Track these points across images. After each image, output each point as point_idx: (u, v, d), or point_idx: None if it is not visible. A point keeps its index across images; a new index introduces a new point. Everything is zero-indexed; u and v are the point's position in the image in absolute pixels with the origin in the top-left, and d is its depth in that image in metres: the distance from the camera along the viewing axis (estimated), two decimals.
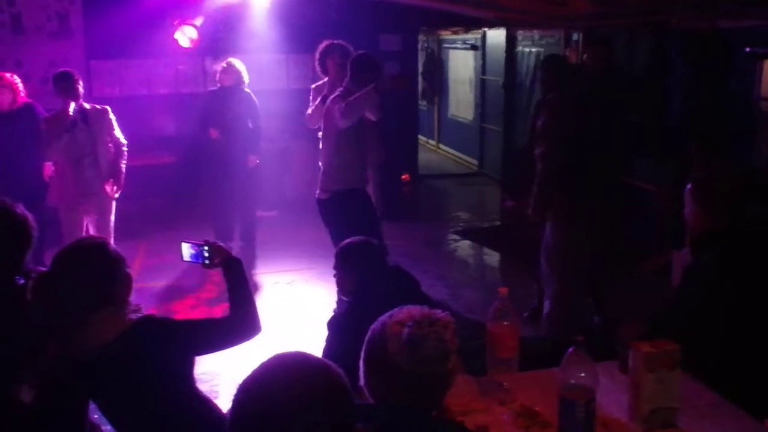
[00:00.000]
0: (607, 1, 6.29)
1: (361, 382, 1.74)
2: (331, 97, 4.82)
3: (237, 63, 6.46)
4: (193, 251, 2.64)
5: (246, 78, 6.50)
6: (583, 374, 1.95)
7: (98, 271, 2.28)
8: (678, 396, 2.11)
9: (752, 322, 2.40)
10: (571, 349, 1.98)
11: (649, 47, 6.25)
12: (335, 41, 5.46)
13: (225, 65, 6.43)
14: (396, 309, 1.76)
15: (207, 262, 2.61)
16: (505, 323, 2.35)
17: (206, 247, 2.61)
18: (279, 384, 1.33)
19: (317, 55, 5.50)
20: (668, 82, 5.92)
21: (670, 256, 4.07)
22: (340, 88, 4.80)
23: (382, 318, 1.75)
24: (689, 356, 2.11)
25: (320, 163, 4.96)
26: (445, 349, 1.69)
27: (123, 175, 5.36)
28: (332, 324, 2.92)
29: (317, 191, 4.94)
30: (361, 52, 5.02)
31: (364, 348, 1.74)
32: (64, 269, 2.29)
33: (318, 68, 5.58)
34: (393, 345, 1.67)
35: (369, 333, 1.74)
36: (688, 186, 2.66)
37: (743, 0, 4.95)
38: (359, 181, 4.89)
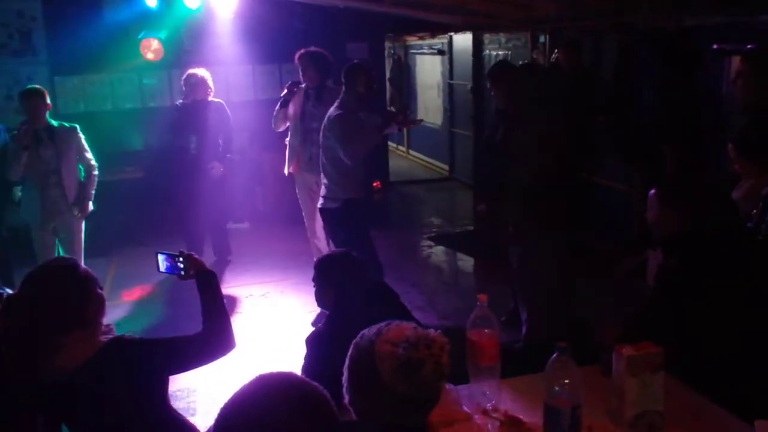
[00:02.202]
0: (570, 3, 6.35)
1: (345, 400, 1.69)
2: (334, 114, 4.85)
3: (203, 73, 6.32)
4: (168, 262, 2.63)
5: (212, 86, 6.41)
6: (567, 380, 1.92)
7: (69, 293, 2.22)
8: (662, 399, 2.09)
9: (725, 322, 2.40)
10: (554, 355, 1.95)
11: (616, 48, 6.30)
12: (311, 49, 5.52)
13: (195, 77, 6.25)
14: (382, 325, 1.70)
15: (182, 273, 2.59)
16: (486, 331, 2.32)
17: (181, 258, 2.59)
18: (263, 406, 1.29)
19: (297, 62, 5.53)
20: (637, 82, 5.97)
21: (646, 256, 4.08)
22: (338, 107, 4.85)
23: (368, 335, 1.69)
24: (670, 357, 2.09)
25: (323, 173, 5.00)
26: (443, 373, 1.65)
27: (90, 203, 5.28)
28: (311, 341, 2.84)
29: (323, 200, 5.01)
30: (354, 61, 5.12)
31: (348, 366, 1.68)
32: (33, 291, 2.22)
33: (300, 75, 5.61)
34: (385, 366, 1.62)
35: (353, 349, 1.69)
36: (652, 190, 2.68)
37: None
38: (365, 189, 5.01)
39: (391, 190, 9.39)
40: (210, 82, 6.29)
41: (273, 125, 5.86)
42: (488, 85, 4.64)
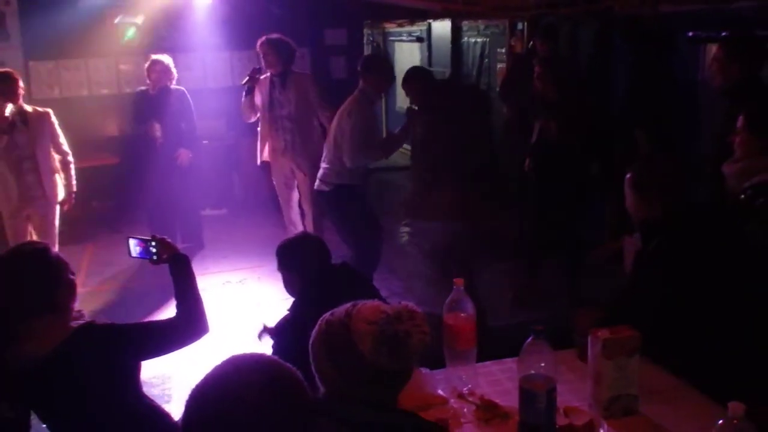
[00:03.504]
0: None
1: (317, 382, 1.68)
2: (353, 103, 4.90)
3: (167, 59, 6.20)
4: (139, 247, 2.59)
5: (175, 73, 6.31)
6: (543, 364, 1.93)
7: (39, 277, 2.19)
8: (638, 382, 2.11)
9: (703, 305, 2.42)
10: (529, 339, 1.96)
11: (593, 35, 6.32)
12: (271, 36, 5.52)
13: (159, 64, 6.13)
14: (349, 306, 1.68)
15: (155, 258, 2.56)
16: (462, 315, 2.32)
17: (153, 243, 2.56)
18: (233, 386, 1.27)
19: (258, 50, 5.51)
20: (613, 69, 6.00)
21: (622, 242, 4.11)
22: (357, 97, 4.91)
23: (338, 315, 1.66)
24: (647, 341, 2.11)
25: (325, 150, 5.06)
26: (427, 342, 1.64)
27: (74, 193, 5.27)
28: (279, 330, 2.79)
29: (318, 181, 5.08)
30: (370, 54, 5.24)
31: (318, 348, 1.65)
32: (3, 276, 2.19)
33: (262, 62, 5.59)
34: (366, 344, 1.59)
35: (321, 334, 1.65)
36: (627, 175, 2.70)
37: None
38: (361, 177, 5.05)
39: (369, 177, 9.36)
40: (173, 69, 6.19)
41: (243, 116, 5.82)
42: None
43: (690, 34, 5.22)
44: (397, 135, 5.20)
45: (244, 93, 5.68)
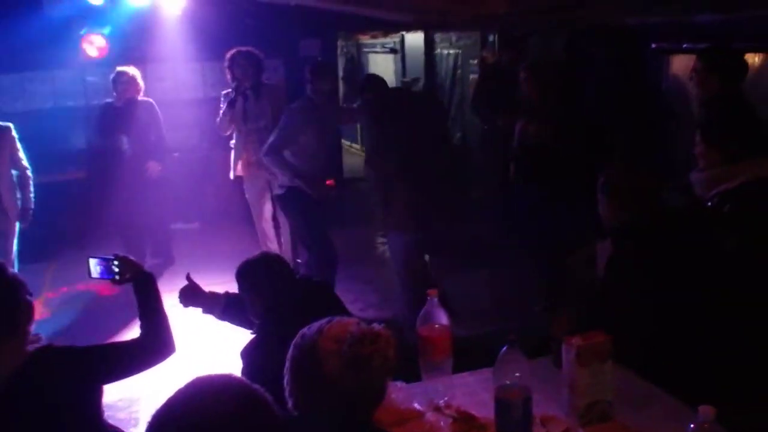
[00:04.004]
0: (520, 1, 6.40)
1: (289, 404, 1.64)
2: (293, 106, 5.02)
3: (133, 71, 6.13)
4: (101, 267, 2.52)
5: (142, 84, 6.23)
6: (518, 373, 1.91)
7: None
8: (612, 388, 2.10)
9: (673, 309, 2.43)
10: (504, 348, 1.94)
11: (562, 46, 6.39)
12: (242, 48, 5.47)
13: (125, 76, 6.05)
14: (323, 322, 1.66)
15: (117, 277, 2.49)
16: (436, 326, 2.30)
17: (115, 262, 2.48)
18: (197, 408, 1.23)
19: (225, 64, 5.48)
20: (582, 79, 6.06)
21: (596, 247, 4.14)
22: (299, 102, 5.03)
23: (309, 333, 1.63)
24: (620, 347, 2.10)
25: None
26: (390, 367, 1.62)
27: (31, 209, 5.16)
28: (247, 352, 2.69)
29: (277, 186, 5.22)
30: (319, 60, 5.21)
31: (289, 367, 1.63)
32: None
33: (228, 76, 5.55)
34: (330, 364, 1.57)
35: (294, 350, 1.64)
36: (600, 180, 2.73)
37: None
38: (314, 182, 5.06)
39: (345, 187, 9.33)
40: (140, 80, 6.11)
41: (219, 129, 5.75)
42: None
43: (654, 45, 5.31)
44: (299, 173, 5.06)
45: (225, 105, 5.56)
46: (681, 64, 5.26)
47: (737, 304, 2.46)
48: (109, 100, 6.24)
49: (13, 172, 5.08)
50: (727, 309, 2.44)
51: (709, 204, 2.81)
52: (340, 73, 11.49)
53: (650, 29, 5.34)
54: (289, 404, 1.64)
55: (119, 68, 6.12)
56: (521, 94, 5.11)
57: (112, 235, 6.48)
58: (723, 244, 2.64)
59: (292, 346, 1.65)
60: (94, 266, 2.53)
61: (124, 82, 6.02)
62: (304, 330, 1.66)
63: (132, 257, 2.54)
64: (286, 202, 5.20)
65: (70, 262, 6.43)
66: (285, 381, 1.64)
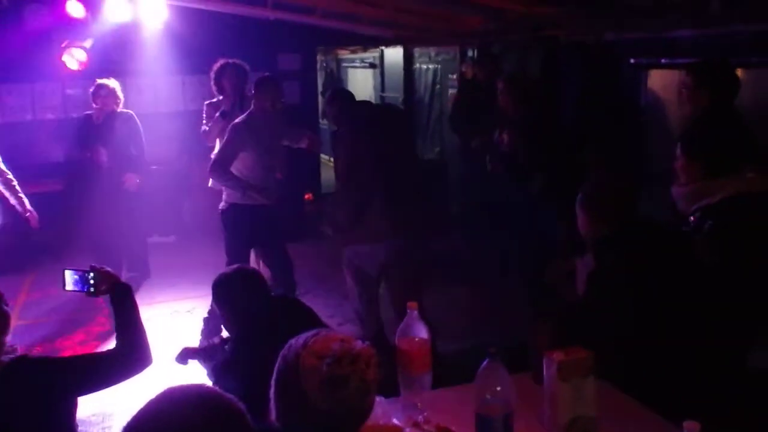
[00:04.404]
0: (494, 17, 6.47)
1: (272, 415, 1.61)
2: (238, 121, 4.89)
3: (113, 83, 6.09)
4: (76, 277, 2.47)
5: (121, 97, 6.18)
6: (499, 388, 1.90)
7: None
8: (595, 403, 2.09)
9: (657, 324, 2.44)
10: (485, 362, 1.92)
11: (540, 61, 6.45)
12: (230, 60, 5.43)
13: (105, 88, 6.02)
14: (309, 335, 1.62)
15: (92, 290, 2.45)
16: (416, 339, 2.28)
17: (91, 274, 2.45)
18: (169, 419, 1.21)
19: (212, 75, 5.47)
20: (560, 94, 6.12)
21: (575, 263, 4.15)
22: (245, 114, 4.93)
23: (295, 346, 1.60)
24: (602, 362, 2.09)
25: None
26: (368, 389, 1.59)
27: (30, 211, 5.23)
28: (217, 372, 2.64)
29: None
30: (265, 74, 5.12)
31: (275, 378, 1.60)
32: None
33: (213, 87, 5.54)
34: (309, 381, 1.54)
35: (280, 361, 1.60)
36: (579, 195, 2.74)
37: (625, 13, 5.18)
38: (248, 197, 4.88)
39: (323, 202, 9.30)
40: (119, 93, 6.08)
41: (206, 139, 5.65)
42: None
43: (632, 60, 5.37)
44: (249, 185, 4.93)
45: (217, 115, 5.46)
46: (659, 79, 5.33)
47: (719, 319, 2.47)
48: (88, 112, 6.18)
49: None
50: (710, 324, 2.44)
51: (691, 219, 2.82)
52: (319, 88, 11.51)
53: (628, 45, 5.40)
54: (272, 415, 1.61)
55: (99, 80, 6.08)
56: (498, 109, 5.15)
57: (89, 247, 6.40)
58: (703, 258, 2.65)
59: (279, 357, 1.62)
60: (70, 278, 2.50)
61: (103, 95, 5.99)
62: (292, 341, 1.63)
63: (109, 269, 2.51)
64: (227, 217, 5.03)
65: (48, 272, 6.37)
66: (271, 391, 1.61)
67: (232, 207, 4.96)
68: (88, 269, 2.48)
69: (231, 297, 2.74)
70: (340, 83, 12.68)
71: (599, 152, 5.08)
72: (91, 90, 6.10)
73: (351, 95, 5.14)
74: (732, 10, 4.28)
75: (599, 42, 5.55)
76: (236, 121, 4.93)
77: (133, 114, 6.23)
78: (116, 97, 6.04)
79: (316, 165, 9.17)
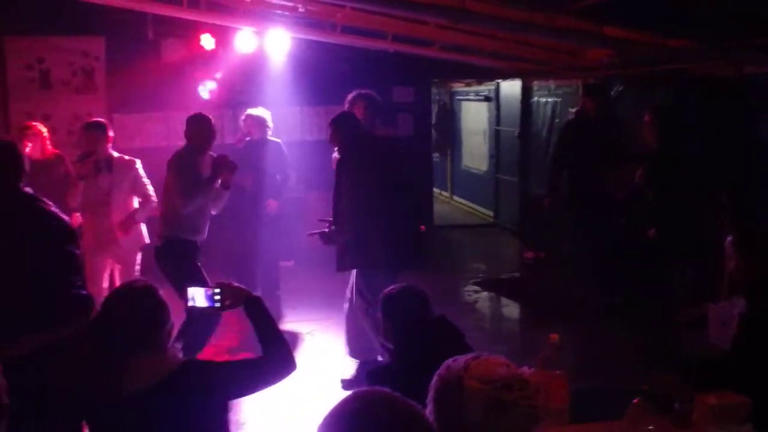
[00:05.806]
0: (622, 50, 6.32)
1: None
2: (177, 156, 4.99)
3: (262, 113, 6.47)
4: (200, 294, 2.54)
5: (271, 126, 6.51)
6: (651, 426, 1.83)
7: (148, 314, 2.26)
8: None
9: None
10: (635, 401, 1.86)
11: (664, 96, 6.26)
12: (363, 91, 5.55)
13: (254, 117, 6.41)
14: (470, 357, 1.64)
15: (218, 305, 2.52)
16: (556, 372, 2.24)
17: (217, 290, 2.51)
18: (360, 416, 1.29)
19: (346, 105, 5.58)
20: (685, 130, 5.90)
21: (705, 309, 3.99)
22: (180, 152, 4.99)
23: (454, 367, 1.62)
24: (759, 409, 1.98)
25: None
26: (534, 417, 1.58)
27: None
28: (375, 376, 2.80)
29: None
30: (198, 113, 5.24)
31: (432, 397, 1.62)
32: (114, 310, 2.27)
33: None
34: (473, 404, 1.55)
35: (438, 381, 1.63)
36: (729, 238, 2.66)
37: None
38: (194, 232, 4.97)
39: (435, 234, 9.33)
40: (269, 122, 6.44)
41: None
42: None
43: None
44: (206, 179, 4.98)
45: None
46: None
47: None
48: (245, 139, 6.55)
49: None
50: None
51: None
52: (433, 120, 11.63)
53: (754, 81, 5.18)
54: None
55: (249, 111, 6.50)
56: (613, 141, 5.11)
57: (227, 267, 6.64)
58: None
59: (436, 376, 1.64)
60: (194, 295, 2.56)
61: (249, 124, 6.41)
62: (449, 362, 1.65)
63: (236, 283, 2.57)
64: (165, 254, 4.90)
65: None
66: (428, 410, 1.63)
67: (168, 242, 4.92)
68: (213, 285, 2.55)
69: (395, 310, 2.94)
70: (453, 116, 12.74)
71: (731, 197, 4.86)
72: (242, 118, 6.52)
73: (355, 120, 5.12)
74: None
75: (739, 76, 5.32)
76: (176, 155, 4.97)
77: (281, 142, 6.56)
78: (265, 125, 6.40)
79: (429, 196, 9.27)
